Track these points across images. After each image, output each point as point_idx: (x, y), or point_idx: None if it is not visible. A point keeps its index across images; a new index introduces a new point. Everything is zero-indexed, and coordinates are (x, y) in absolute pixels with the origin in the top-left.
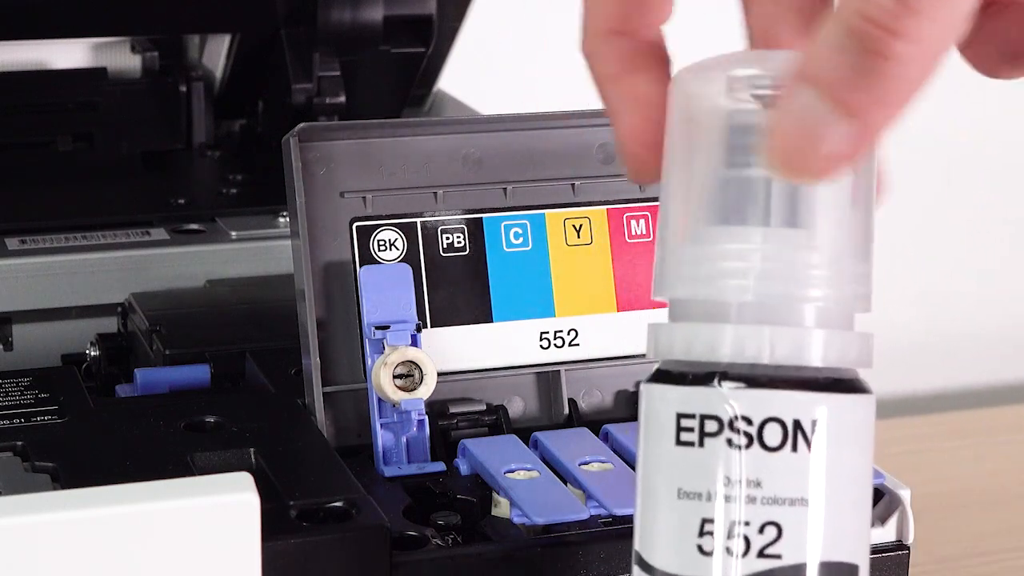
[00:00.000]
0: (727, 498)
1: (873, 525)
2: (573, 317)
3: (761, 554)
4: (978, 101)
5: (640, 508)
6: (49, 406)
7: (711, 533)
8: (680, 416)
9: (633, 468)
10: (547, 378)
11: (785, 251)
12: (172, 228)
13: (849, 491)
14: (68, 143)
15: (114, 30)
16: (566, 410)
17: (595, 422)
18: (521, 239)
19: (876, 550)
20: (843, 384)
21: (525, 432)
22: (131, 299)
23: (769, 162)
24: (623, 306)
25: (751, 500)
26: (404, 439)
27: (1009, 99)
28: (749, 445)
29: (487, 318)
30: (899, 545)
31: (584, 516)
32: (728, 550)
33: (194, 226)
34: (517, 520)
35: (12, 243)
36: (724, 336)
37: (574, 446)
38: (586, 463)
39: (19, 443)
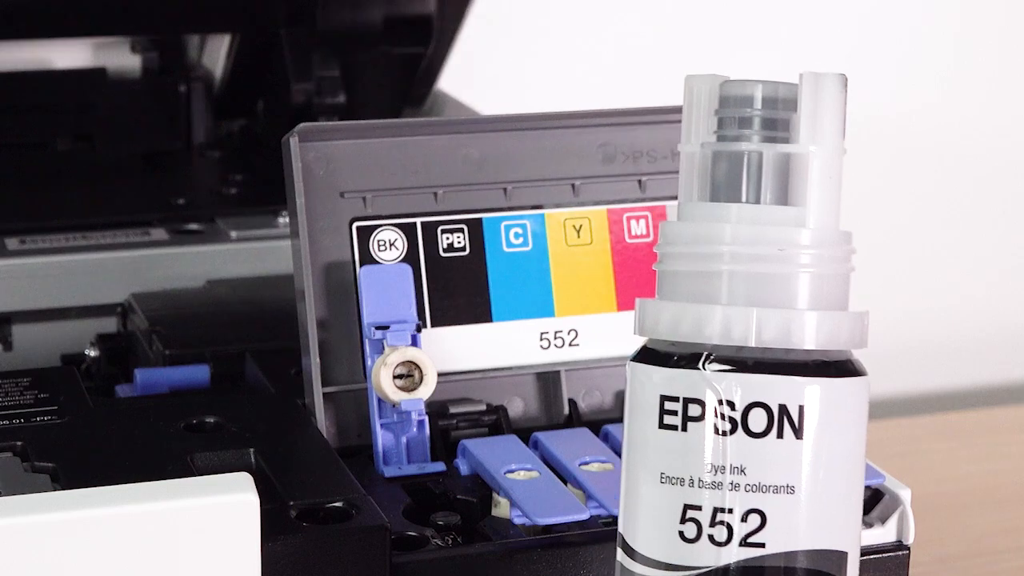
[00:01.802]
0: (710, 485)
1: (873, 525)
2: (573, 317)
3: (744, 543)
4: (979, 100)
5: (624, 490)
6: (49, 406)
7: (694, 520)
8: (664, 398)
9: None
10: (547, 378)
11: (775, 229)
12: (172, 228)
13: (837, 477)
14: (68, 143)
15: (114, 30)
16: (566, 410)
17: (595, 422)
18: (521, 239)
19: (876, 550)
20: (833, 367)
21: (525, 432)
22: (131, 299)
23: None
24: (623, 306)
25: (735, 487)
26: (404, 439)
27: (1011, 99)
28: (733, 431)
29: (487, 318)
30: (899, 545)
31: (584, 516)
32: (711, 538)
33: (194, 226)
34: (517, 520)
35: (12, 243)
36: (710, 317)
37: (574, 446)
38: (586, 463)
39: (19, 443)
